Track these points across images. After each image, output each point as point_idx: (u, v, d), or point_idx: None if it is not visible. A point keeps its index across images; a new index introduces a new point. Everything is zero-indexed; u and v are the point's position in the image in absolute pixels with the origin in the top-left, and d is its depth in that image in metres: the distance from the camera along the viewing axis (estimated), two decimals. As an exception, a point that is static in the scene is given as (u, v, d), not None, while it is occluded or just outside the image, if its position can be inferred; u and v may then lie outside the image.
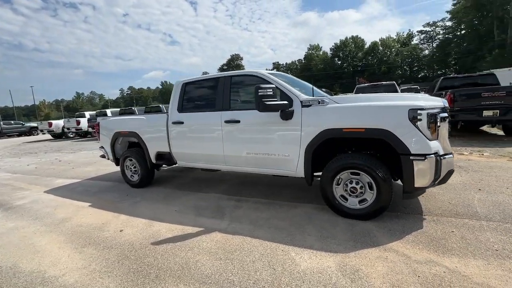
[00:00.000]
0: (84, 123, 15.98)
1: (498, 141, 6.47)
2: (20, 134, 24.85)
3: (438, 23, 50.97)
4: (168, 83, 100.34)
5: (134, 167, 4.46)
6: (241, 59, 78.83)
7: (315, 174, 2.99)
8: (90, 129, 15.36)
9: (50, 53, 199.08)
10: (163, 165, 4.38)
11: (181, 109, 3.80)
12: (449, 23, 46.79)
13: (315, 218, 2.81)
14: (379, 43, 57.96)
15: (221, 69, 76.67)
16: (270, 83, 3.05)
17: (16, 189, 5.06)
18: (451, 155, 2.49)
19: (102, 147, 4.94)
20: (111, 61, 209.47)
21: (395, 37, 59.67)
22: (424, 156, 2.29)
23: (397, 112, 2.36)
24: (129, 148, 4.83)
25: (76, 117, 16.80)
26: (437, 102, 2.57)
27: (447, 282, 1.71)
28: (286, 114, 2.85)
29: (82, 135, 17.44)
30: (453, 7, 42.63)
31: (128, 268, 2.14)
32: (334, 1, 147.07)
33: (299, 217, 2.88)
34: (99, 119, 4.94)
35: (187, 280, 1.94)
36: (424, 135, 2.31)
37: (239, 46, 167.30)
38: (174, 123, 3.79)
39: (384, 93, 4.30)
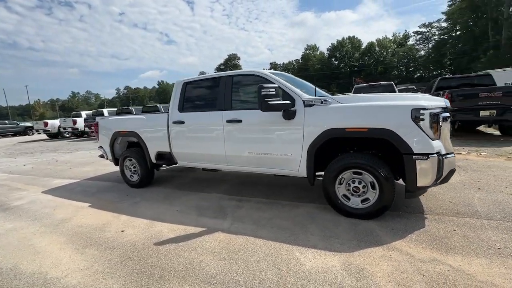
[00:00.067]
0: (80, 123, 15.83)
1: (494, 140, 6.55)
2: (14, 134, 24.53)
3: (434, 24, 51.50)
4: (165, 82, 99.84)
5: (134, 167, 4.42)
6: (239, 59, 78.79)
7: (317, 173, 3.00)
8: (87, 129, 15.22)
9: (45, 52, 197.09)
10: (163, 165, 4.36)
11: (182, 108, 3.78)
12: (444, 24, 47.23)
13: (317, 218, 2.81)
14: (376, 43, 58.26)
15: (218, 68, 76.51)
16: (272, 82, 3.05)
17: (13, 190, 4.99)
18: (452, 155, 2.51)
19: (101, 147, 4.89)
20: (107, 60, 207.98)
21: (391, 38, 60.05)
22: (426, 155, 2.30)
23: (399, 112, 2.38)
24: (128, 148, 4.80)
25: (73, 117, 16.63)
26: (439, 102, 2.59)
27: (451, 281, 1.73)
28: (289, 113, 2.84)
29: (78, 135, 17.27)
30: (448, 8, 43.05)
31: (132, 269, 2.12)
32: (331, 2, 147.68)
33: (301, 216, 2.88)
34: (98, 118, 4.90)
35: (191, 280, 1.93)
36: (427, 135, 2.32)
37: (236, 46, 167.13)
38: (175, 122, 3.77)
39: (386, 93, 4.31)
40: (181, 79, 3.96)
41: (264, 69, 3.72)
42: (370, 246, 2.21)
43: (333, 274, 1.88)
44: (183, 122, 3.70)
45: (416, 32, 56.15)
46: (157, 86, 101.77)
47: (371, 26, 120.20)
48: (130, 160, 4.43)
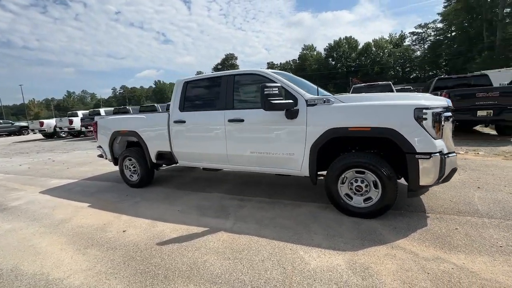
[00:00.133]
0: (77, 123, 15.67)
1: (491, 140, 6.62)
2: (9, 134, 24.23)
3: (430, 25, 51.89)
4: (161, 82, 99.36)
5: (134, 167, 4.39)
6: (236, 58, 78.67)
7: (318, 173, 3.00)
8: (83, 129, 15.08)
9: (40, 51, 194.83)
10: (163, 165, 4.34)
11: (183, 108, 3.76)
12: (440, 25, 47.66)
13: (320, 217, 2.82)
14: (372, 44, 58.60)
15: (216, 68, 76.33)
16: (274, 82, 3.04)
17: (10, 190, 4.93)
18: (454, 154, 2.53)
19: (100, 146, 4.85)
20: (103, 60, 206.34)
21: (387, 38, 60.45)
22: (429, 154, 2.32)
23: (402, 111, 2.39)
24: (127, 147, 4.76)
25: (69, 116, 16.47)
26: (441, 102, 2.61)
27: (456, 279, 1.74)
28: (291, 113, 2.85)
29: (75, 134, 17.11)
30: (444, 9, 43.48)
31: (135, 269, 2.10)
32: (327, 2, 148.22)
33: (304, 216, 2.88)
34: (97, 118, 4.86)
35: (196, 280, 1.92)
36: (429, 134, 2.34)
37: (233, 46, 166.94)
38: (175, 122, 3.75)
39: (388, 93, 4.34)
40: (182, 78, 3.94)
41: (260, 68, 3.72)
42: (374, 245, 2.22)
43: (339, 273, 1.88)
44: (184, 122, 3.68)
45: (412, 33, 56.62)
46: (153, 86, 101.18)
47: (368, 27, 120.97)
48: (130, 159, 4.40)
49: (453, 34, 45.09)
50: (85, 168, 6.52)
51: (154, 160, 4.13)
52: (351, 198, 2.74)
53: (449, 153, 2.47)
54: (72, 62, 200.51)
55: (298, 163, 2.96)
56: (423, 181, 2.38)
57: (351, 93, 9.58)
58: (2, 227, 3.19)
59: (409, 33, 57.62)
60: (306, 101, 2.85)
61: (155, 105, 14.21)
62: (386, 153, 2.80)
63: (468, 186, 3.44)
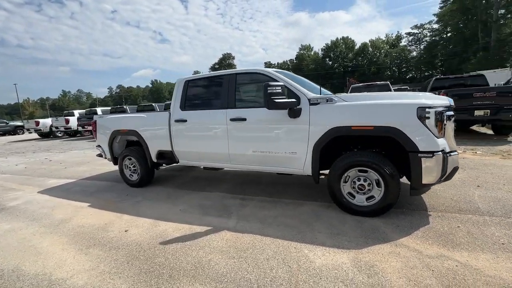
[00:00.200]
0: (73, 122, 15.52)
1: (488, 140, 6.70)
2: (4, 134, 23.92)
3: (426, 26, 52.32)
4: (158, 81, 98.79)
5: (134, 166, 4.36)
6: (233, 58, 78.51)
7: (320, 172, 3.01)
8: (80, 128, 14.94)
9: (34, 49, 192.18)
10: (163, 164, 4.31)
11: (184, 107, 3.75)
12: (436, 26, 48.06)
13: (322, 216, 2.83)
14: (369, 44, 58.90)
15: (213, 68, 76.11)
16: (277, 81, 3.04)
17: (7, 190, 4.86)
18: (456, 153, 2.55)
19: (99, 145, 4.81)
20: (99, 59, 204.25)
21: (384, 39, 60.83)
22: (432, 153, 2.34)
23: (406, 110, 2.40)
24: (127, 147, 4.73)
25: (65, 116, 16.31)
26: (443, 101, 2.63)
27: (461, 276, 1.76)
28: (294, 112, 2.85)
29: (71, 134, 16.95)
30: (440, 10, 43.84)
31: (139, 269, 2.09)
32: (324, 2, 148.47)
33: (306, 215, 2.89)
34: (96, 117, 4.81)
35: (202, 279, 1.91)
36: (432, 133, 2.36)
37: (231, 45, 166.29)
38: (176, 121, 3.73)
39: (390, 92, 4.37)
40: (183, 77, 3.92)
41: (258, 67, 3.71)
42: (377, 243, 2.23)
43: (344, 271, 1.89)
44: (185, 121, 3.66)
45: (408, 33, 57.05)
46: (150, 85, 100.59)
47: (364, 27, 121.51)
48: (130, 159, 4.37)
49: (449, 35, 45.48)
50: (83, 168, 6.47)
51: (154, 160, 4.11)
52: (354, 196, 2.75)
53: (451, 151, 2.49)
54: (68, 61, 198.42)
55: (301, 162, 2.96)
56: (425, 180, 2.39)
57: (350, 92, 9.64)
58: (1, 227, 3.14)
59: (405, 33, 58.15)
60: (309, 100, 2.85)
61: (153, 104, 14.14)
62: (388, 152, 2.82)
63: (467, 184, 3.47)
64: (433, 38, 49.34)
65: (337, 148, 2.95)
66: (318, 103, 2.80)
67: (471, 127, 8.81)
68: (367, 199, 2.69)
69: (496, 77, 14.21)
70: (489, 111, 6.28)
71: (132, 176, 4.42)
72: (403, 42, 58.62)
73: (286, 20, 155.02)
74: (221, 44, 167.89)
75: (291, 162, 3.04)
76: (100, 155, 4.92)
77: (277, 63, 78.16)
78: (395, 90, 16.70)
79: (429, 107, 2.35)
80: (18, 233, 2.94)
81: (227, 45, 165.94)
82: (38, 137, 18.56)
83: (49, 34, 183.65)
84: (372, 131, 2.53)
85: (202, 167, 3.95)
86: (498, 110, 6.21)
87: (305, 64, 64.30)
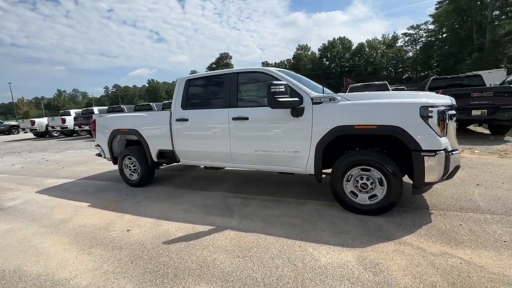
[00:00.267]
0: (70, 121, 15.36)
1: (485, 139, 6.78)
2: (-2, 133, 23.62)
3: (422, 26, 52.73)
4: (155, 81, 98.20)
5: (134, 166, 4.33)
6: (230, 58, 78.33)
7: (323, 171, 3.01)
8: (76, 128, 14.79)
9: (29, 48, 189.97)
10: (163, 164, 4.29)
11: (185, 106, 3.73)
12: (431, 27, 48.47)
13: (325, 215, 2.83)
14: (366, 44, 59.23)
15: (210, 67, 75.89)
16: (279, 80, 3.04)
17: (4, 190, 4.80)
18: (457, 151, 2.57)
19: (98, 145, 4.77)
20: (95, 58, 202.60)
21: (380, 39, 61.20)
22: (434, 152, 2.36)
23: (409, 109, 2.42)
24: (127, 146, 4.69)
25: (61, 115, 16.14)
26: (445, 100, 2.65)
27: (465, 273, 1.78)
28: (297, 111, 2.85)
29: (68, 134, 16.78)
30: (435, 11, 44.23)
31: (144, 268, 2.08)
32: (321, 2, 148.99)
33: (309, 213, 2.90)
34: (95, 116, 4.77)
35: (208, 278, 1.91)
36: (435, 132, 2.38)
37: (228, 45, 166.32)
38: (178, 120, 3.71)
39: (392, 91, 4.39)
40: (184, 76, 3.90)
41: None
42: (381, 241, 2.24)
43: (350, 269, 1.90)
44: (186, 120, 3.64)
45: (405, 34, 57.39)
46: (147, 85, 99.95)
47: (361, 27, 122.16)
48: (130, 158, 4.34)
49: (444, 35, 45.94)
50: (81, 168, 6.41)
51: (155, 159, 4.09)
52: (356, 195, 2.77)
53: (452, 150, 2.51)
54: (63, 60, 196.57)
55: (303, 161, 2.97)
56: (428, 178, 2.41)
57: (348, 92, 9.69)
58: (0, 227, 3.10)
59: (402, 34, 58.45)
60: (312, 99, 2.86)
61: (151, 104, 14.04)
62: (389, 150, 2.84)
63: (467, 183, 3.51)
64: (429, 38, 49.77)
65: (338, 147, 2.96)
66: (321, 102, 2.81)
67: (467, 127, 8.90)
68: (370, 197, 2.70)
69: (491, 77, 14.38)
70: (486, 111, 6.35)
71: (132, 175, 4.39)
72: (400, 43, 59.02)
73: (283, 20, 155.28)
74: (218, 44, 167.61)
75: (294, 161, 3.05)
76: (99, 155, 4.88)
77: (274, 63, 78.21)
78: (392, 90, 16.85)
79: (432, 106, 2.37)
80: (17, 233, 2.90)
81: (224, 44, 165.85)
82: (34, 136, 18.36)
83: (44, 33, 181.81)
84: (375, 130, 2.54)
85: (203, 166, 3.93)
86: (495, 110, 6.28)
87: (302, 64, 64.40)
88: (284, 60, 76.30)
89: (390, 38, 61.53)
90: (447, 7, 40.17)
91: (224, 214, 3.03)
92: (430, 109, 2.36)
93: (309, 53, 68.75)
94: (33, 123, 17.10)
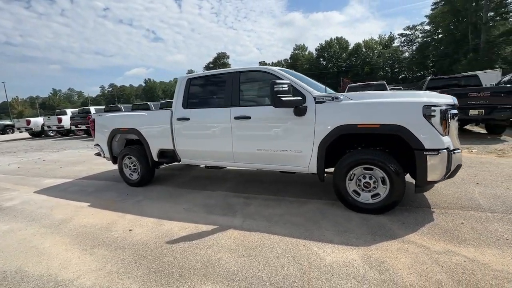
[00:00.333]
0: (66, 121, 15.20)
1: (483, 139, 6.85)
2: (-8, 133, 23.29)
3: (418, 27, 53.20)
4: (152, 80, 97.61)
5: (134, 165, 4.30)
6: (228, 57, 78.24)
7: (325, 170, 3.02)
8: (73, 127, 14.65)
9: (24, 47, 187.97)
10: (164, 163, 4.27)
11: (186, 105, 3.71)
12: (427, 27, 48.99)
13: (328, 214, 2.84)
14: (362, 44, 59.56)
15: (207, 67, 75.69)
16: (281, 79, 3.04)
17: (1, 190, 4.74)
18: (459, 151, 2.60)
19: (97, 144, 4.72)
20: (91, 57, 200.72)
21: (377, 39, 61.60)
22: (437, 151, 2.37)
23: (412, 109, 2.43)
24: (126, 145, 4.66)
25: (58, 115, 15.97)
26: (448, 99, 2.67)
27: (469, 270, 1.79)
28: (300, 110, 2.85)
29: (64, 133, 16.60)
30: (431, 12, 44.64)
31: (148, 268, 2.06)
32: (318, 2, 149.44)
33: (312, 212, 2.90)
34: (94, 115, 4.72)
35: (213, 278, 1.90)
36: (437, 131, 2.39)
37: (225, 45, 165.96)
38: (179, 119, 3.69)
39: (394, 91, 4.42)
40: (185, 75, 3.89)
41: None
42: (385, 239, 2.25)
43: (355, 268, 1.90)
44: (188, 119, 3.63)
45: (401, 35, 57.92)
46: (143, 84, 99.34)
47: (358, 28, 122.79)
48: (130, 158, 4.30)
49: (440, 36, 46.39)
50: (79, 168, 6.34)
51: (155, 158, 4.06)
52: (359, 194, 2.78)
53: (454, 149, 2.53)
54: (59, 59, 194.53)
55: (306, 160, 2.97)
56: (430, 177, 2.43)
57: (347, 92, 9.73)
58: (-1, 228, 3.06)
59: (398, 34, 59.02)
60: (314, 98, 2.86)
61: (148, 103, 13.96)
62: (391, 150, 2.85)
63: (467, 182, 3.54)
64: (425, 39, 50.26)
65: (340, 146, 2.97)
66: (324, 101, 2.81)
67: (464, 126, 8.98)
68: (372, 196, 2.72)
69: (486, 77, 14.53)
70: (483, 110, 6.41)
71: (132, 175, 4.36)
72: (396, 43, 59.55)
73: (280, 20, 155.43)
74: (215, 43, 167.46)
75: (296, 160, 3.05)
76: (98, 154, 4.84)
77: (272, 62, 78.19)
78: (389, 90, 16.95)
79: (435, 106, 2.39)
80: (17, 234, 2.87)
81: (221, 44, 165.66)
82: (29, 136, 18.14)
83: (39, 32, 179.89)
84: (378, 129, 2.55)
85: (204, 165, 3.92)
86: (492, 110, 6.35)
87: (299, 64, 64.54)
88: (281, 60, 76.37)
89: (386, 38, 62.02)
90: (442, 8, 40.58)
91: (226, 214, 3.02)
92: (433, 108, 2.38)
93: (306, 53, 68.92)
94: (28, 122, 16.89)
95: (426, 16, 47.12)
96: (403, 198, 3.00)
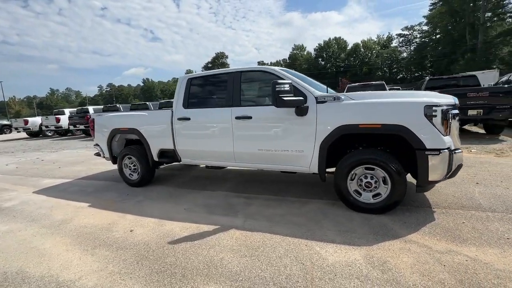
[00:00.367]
0: (64, 121, 15.12)
1: (481, 138, 6.89)
2: (-10, 133, 23.12)
3: (416, 27, 53.39)
4: (150, 80, 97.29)
5: (134, 166, 4.29)
6: (226, 57, 78.12)
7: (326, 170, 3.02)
8: (71, 127, 14.58)
9: (21, 46, 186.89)
10: (164, 163, 4.26)
11: (187, 105, 3.70)
12: (425, 28, 49.10)
13: (329, 213, 2.84)
14: (361, 44, 59.72)
15: (206, 67, 75.55)
16: (283, 79, 3.04)
17: (0, 190, 4.70)
18: (460, 150, 2.61)
19: (97, 144, 4.70)
20: (88, 56, 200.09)
21: (375, 40, 61.77)
22: (438, 151, 2.38)
23: (413, 109, 2.44)
24: (126, 145, 4.64)
25: (56, 114, 15.89)
26: (449, 99, 2.68)
27: (472, 270, 1.80)
28: (301, 110, 2.85)
29: (62, 133, 16.52)
30: (429, 12, 44.79)
31: (150, 269, 2.05)
32: (316, 2, 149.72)
33: (313, 212, 2.90)
34: (94, 115, 4.70)
35: (216, 278, 1.89)
36: (438, 131, 2.40)
37: (223, 45, 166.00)
38: (180, 119, 3.68)
39: (395, 91, 4.43)
40: (185, 75, 3.88)
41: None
42: (387, 239, 2.26)
43: (358, 267, 1.91)
44: (188, 119, 3.62)
45: (399, 35, 58.05)
46: (141, 84, 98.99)
47: (356, 28, 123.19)
48: (130, 158, 4.29)
49: (438, 36, 46.52)
50: (78, 168, 6.31)
51: (156, 158, 4.05)
52: (360, 194, 2.78)
53: (455, 149, 2.54)
54: (56, 58, 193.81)
55: (307, 160, 2.97)
56: (432, 177, 2.44)
57: (346, 92, 9.75)
58: (-2, 228, 3.04)
59: (396, 34, 59.14)
60: (316, 98, 2.86)
61: (147, 103, 13.93)
62: (392, 149, 2.86)
63: (467, 182, 3.56)
64: (423, 39, 50.39)
65: (342, 146, 2.97)
66: (325, 101, 2.82)
67: (463, 126, 9.02)
68: (373, 196, 2.72)
69: (484, 78, 14.60)
70: (482, 110, 6.44)
71: (132, 175, 4.34)
72: (394, 43, 59.68)
73: (279, 20, 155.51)
74: (213, 43, 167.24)
75: (298, 160, 3.05)
76: (98, 154, 4.81)
77: (270, 62, 78.22)
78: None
79: (436, 106, 2.40)
80: (17, 235, 2.85)
81: (220, 44, 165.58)
82: (27, 136, 18.04)
83: (36, 31, 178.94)
84: (379, 129, 2.56)
85: (204, 165, 3.91)
86: (490, 110, 6.38)
87: (298, 64, 64.57)
88: (280, 60, 76.41)
89: (384, 38, 62.18)
90: (440, 8, 40.72)
91: (227, 214, 3.02)
92: (434, 108, 2.39)
93: (305, 53, 69.01)
94: (26, 122, 16.79)
95: (424, 17, 47.33)
96: (404, 198, 3.02)
